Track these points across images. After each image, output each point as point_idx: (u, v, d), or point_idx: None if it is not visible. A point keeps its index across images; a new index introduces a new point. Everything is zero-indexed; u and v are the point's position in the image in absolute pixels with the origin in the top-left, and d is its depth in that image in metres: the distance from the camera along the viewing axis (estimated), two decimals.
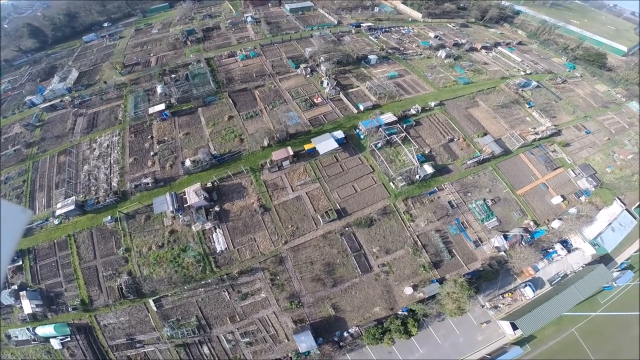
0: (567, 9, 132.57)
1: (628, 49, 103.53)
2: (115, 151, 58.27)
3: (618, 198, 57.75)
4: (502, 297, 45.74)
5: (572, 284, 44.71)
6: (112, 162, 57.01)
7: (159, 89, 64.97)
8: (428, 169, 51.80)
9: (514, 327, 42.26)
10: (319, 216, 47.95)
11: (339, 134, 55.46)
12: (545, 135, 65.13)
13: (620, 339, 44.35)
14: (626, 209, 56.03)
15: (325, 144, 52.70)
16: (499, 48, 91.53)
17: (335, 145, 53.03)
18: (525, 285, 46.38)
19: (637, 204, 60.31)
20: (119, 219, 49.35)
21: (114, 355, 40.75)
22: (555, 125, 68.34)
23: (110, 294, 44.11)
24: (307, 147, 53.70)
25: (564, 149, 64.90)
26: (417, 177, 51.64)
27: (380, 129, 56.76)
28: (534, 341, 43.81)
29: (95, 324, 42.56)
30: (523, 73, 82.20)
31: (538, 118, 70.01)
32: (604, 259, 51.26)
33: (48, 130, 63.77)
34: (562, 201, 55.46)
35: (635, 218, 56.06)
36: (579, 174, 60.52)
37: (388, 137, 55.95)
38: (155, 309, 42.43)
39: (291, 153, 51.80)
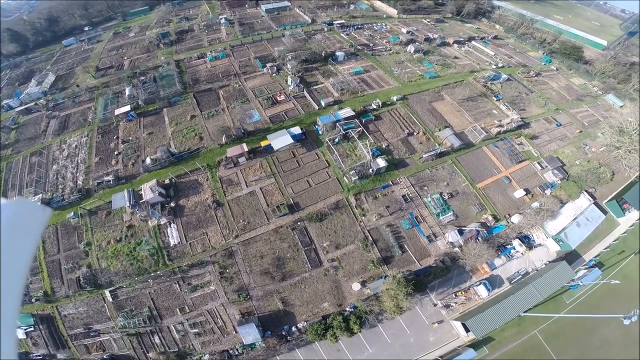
0: (551, 5, 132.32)
1: (608, 42, 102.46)
2: (83, 151, 60.33)
3: (586, 191, 56.60)
4: (455, 295, 44.23)
5: (530, 283, 42.74)
6: (79, 161, 59.03)
7: (127, 91, 66.95)
8: (381, 162, 52.26)
9: (467, 329, 40.31)
10: (270, 211, 48.84)
11: (297, 129, 56.38)
12: (510, 127, 64.80)
13: (588, 341, 42.68)
14: (594, 203, 54.78)
15: (280, 140, 53.72)
16: (473, 42, 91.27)
17: (290, 140, 53.97)
18: (480, 284, 44.48)
19: (609, 197, 59.17)
20: (82, 215, 51.12)
21: (73, 344, 42.27)
22: (522, 118, 67.99)
23: (71, 286, 45.85)
24: (263, 143, 54.84)
25: (531, 142, 64.43)
26: (371, 170, 52.11)
27: (337, 124, 57.42)
28: (492, 343, 41.93)
29: (56, 314, 44.12)
30: (494, 66, 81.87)
31: (505, 111, 69.73)
32: (572, 256, 49.55)
33: (22, 132, 66.26)
34: (526, 195, 54.27)
35: (605, 213, 54.51)
36: (545, 166, 59.58)
37: (344, 132, 56.55)
38: (110, 299, 43.96)
39: (246, 149, 52.96)
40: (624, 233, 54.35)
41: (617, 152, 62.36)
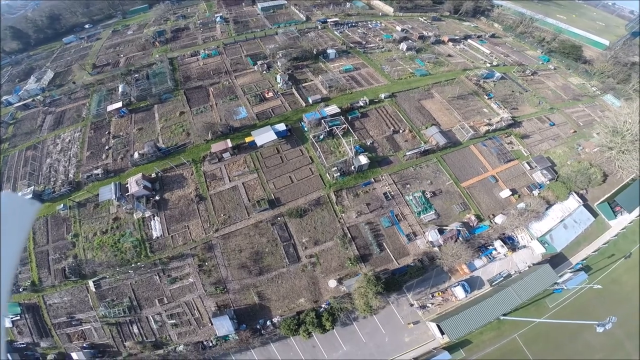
0: (555, 5, 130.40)
1: (610, 42, 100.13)
2: (75, 146, 62.06)
3: (576, 193, 55.05)
4: (432, 296, 43.39)
5: (510, 286, 41.57)
6: (71, 155, 60.72)
7: (120, 88, 68.52)
8: (363, 159, 52.26)
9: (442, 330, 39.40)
10: (251, 205, 49.40)
11: (281, 126, 56.83)
12: (500, 126, 63.95)
13: (570, 346, 41.37)
14: (583, 205, 53.42)
15: (264, 136, 54.30)
16: (469, 41, 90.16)
17: (274, 137, 54.48)
18: (457, 285, 43.62)
19: (601, 199, 57.64)
20: (71, 207, 52.66)
21: (56, 332, 43.50)
22: (514, 117, 67.05)
23: (57, 276, 47.23)
24: (247, 139, 55.50)
25: (522, 141, 63.51)
26: (353, 167, 52.17)
27: (322, 121, 57.65)
28: (470, 346, 41.18)
29: (42, 303, 45.44)
30: (489, 65, 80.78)
31: (496, 109, 68.85)
32: (558, 259, 48.34)
33: (19, 127, 68.50)
34: (512, 195, 53.17)
35: (596, 215, 53.18)
36: (534, 166, 58.39)
37: (329, 129, 56.75)
38: (94, 289, 45.11)
39: (230, 145, 53.64)
40: (614, 236, 52.83)
41: (610, 153, 60.81)
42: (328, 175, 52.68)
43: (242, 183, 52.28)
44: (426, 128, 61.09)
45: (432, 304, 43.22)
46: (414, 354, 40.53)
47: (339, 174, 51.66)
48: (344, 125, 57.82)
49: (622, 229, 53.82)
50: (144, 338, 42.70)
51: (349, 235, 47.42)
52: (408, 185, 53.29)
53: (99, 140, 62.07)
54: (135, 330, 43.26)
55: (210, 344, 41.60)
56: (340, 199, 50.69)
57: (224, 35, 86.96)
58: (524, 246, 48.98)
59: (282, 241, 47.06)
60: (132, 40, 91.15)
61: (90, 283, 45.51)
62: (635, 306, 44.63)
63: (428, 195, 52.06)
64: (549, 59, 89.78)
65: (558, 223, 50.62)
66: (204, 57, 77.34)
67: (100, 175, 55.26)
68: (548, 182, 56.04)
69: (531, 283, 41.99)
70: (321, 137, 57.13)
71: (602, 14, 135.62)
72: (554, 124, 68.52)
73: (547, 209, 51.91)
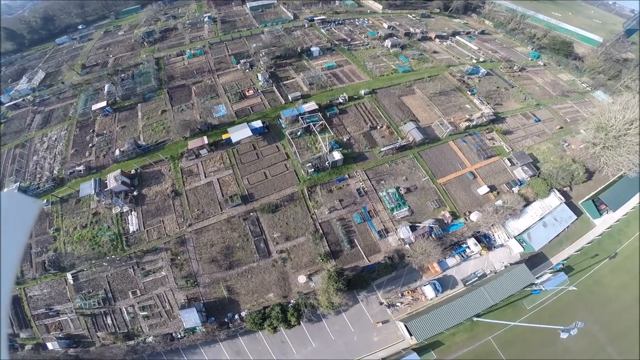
0: (552, 3, 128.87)
1: (604, 39, 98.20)
2: (61, 144, 63.71)
3: (558, 190, 53.88)
4: (402, 295, 42.74)
5: (482, 286, 40.72)
6: (56, 153, 62.38)
7: (106, 88, 70.09)
8: (337, 155, 52.47)
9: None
10: (224, 201, 50.10)
11: (258, 123, 57.44)
12: (481, 122, 63.39)
13: (547, 349, 40.23)
14: (566, 203, 52.05)
15: (239, 133, 55.01)
16: (457, 37, 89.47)
17: (249, 133, 55.15)
18: (427, 284, 42.75)
19: (586, 197, 56.48)
20: (54, 203, 54.16)
21: (35, 324, 44.73)
22: (497, 113, 66.41)
23: (38, 269, 48.67)
24: (224, 136, 56.30)
25: (504, 137, 62.81)
26: (327, 163, 52.43)
27: (300, 117, 58.05)
28: (441, 348, 40.44)
29: (23, 295, 46.81)
30: (475, 61, 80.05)
31: (479, 105, 68.25)
32: (538, 259, 47.11)
33: (9, 126, 70.56)
34: (490, 192, 52.29)
35: (580, 214, 51.91)
36: (515, 163, 57.47)
37: (306, 125, 57.12)
38: (72, 282, 46.30)
39: (206, 142, 54.46)
40: (599, 235, 51.49)
41: (595, 149, 59.61)
42: (303, 171, 53.00)
43: (217, 179, 53.04)
44: (404, 124, 60.89)
45: (402, 303, 42.57)
46: (382, 354, 40.05)
47: (313, 169, 51.96)
48: (321, 122, 58.10)
49: (608, 228, 52.38)
50: (117, 329, 43.72)
51: (320, 231, 47.61)
52: (382, 182, 53.21)
53: (84, 138, 63.67)
54: (109, 321, 44.30)
55: (179, 336, 42.35)
56: (313, 195, 50.95)
57: (211, 35, 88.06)
58: (501, 245, 47.99)
59: (254, 236, 47.55)
60: (122, 40, 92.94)
61: (69, 275, 46.76)
62: (619, 308, 43.59)
63: (402, 192, 51.80)
64: (539, 56, 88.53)
65: (537, 221, 49.35)
66: (190, 56, 78.51)
67: (82, 172, 56.69)
68: (529, 179, 54.96)
69: (505, 284, 41.00)
70: (298, 133, 57.53)
71: (599, 12, 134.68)
72: (539, 120, 67.64)
73: (525, 206, 50.74)
